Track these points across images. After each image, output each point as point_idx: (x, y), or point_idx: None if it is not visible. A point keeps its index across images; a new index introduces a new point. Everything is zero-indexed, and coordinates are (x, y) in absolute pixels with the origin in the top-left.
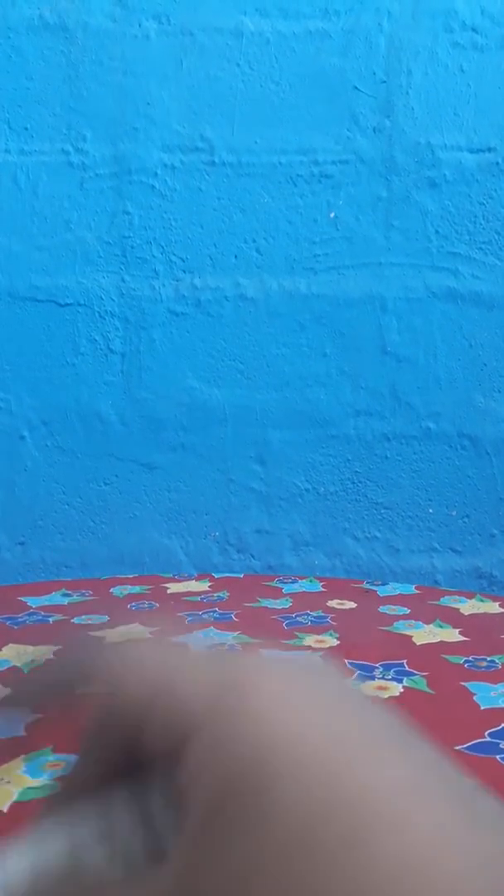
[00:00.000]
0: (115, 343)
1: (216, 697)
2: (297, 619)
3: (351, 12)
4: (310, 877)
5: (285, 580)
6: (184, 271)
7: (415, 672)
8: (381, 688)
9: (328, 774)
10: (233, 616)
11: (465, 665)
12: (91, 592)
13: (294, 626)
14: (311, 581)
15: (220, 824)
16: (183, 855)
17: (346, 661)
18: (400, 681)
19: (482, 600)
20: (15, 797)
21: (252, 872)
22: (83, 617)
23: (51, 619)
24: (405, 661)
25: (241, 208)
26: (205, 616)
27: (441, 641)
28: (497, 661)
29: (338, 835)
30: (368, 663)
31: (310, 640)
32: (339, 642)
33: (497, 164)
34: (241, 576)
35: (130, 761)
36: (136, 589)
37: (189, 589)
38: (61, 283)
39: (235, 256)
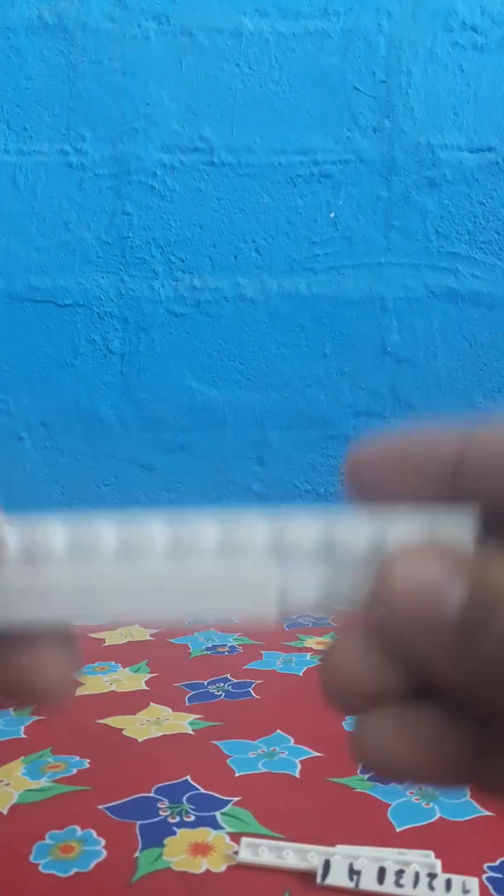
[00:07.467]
0: (115, 344)
1: None
2: (298, 620)
3: (350, 12)
4: None
5: None
6: (183, 272)
7: None
8: None
9: None
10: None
11: None
12: None
13: (295, 628)
14: None
15: None
16: None
17: None
18: None
19: None
20: (15, 799)
21: None
22: None
23: None
24: None
25: (241, 208)
26: None
27: None
28: None
29: None
30: None
31: (311, 641)
32: None
33: (497, 163)
34: None
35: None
36: None
37: None
38: (60, 283)
39: (235, 256)
